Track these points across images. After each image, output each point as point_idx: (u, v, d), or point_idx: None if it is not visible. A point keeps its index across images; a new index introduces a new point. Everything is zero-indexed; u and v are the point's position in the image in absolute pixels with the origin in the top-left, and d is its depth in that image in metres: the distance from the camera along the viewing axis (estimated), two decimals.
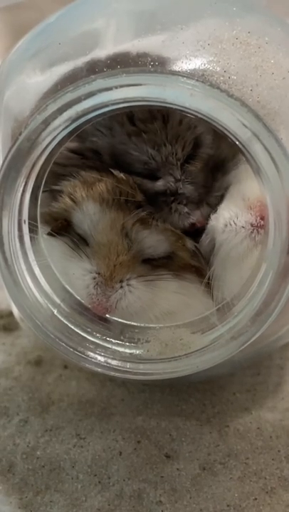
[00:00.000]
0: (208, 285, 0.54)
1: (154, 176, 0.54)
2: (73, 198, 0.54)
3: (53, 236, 0.55)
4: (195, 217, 0.54)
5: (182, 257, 0.55)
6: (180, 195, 0.53)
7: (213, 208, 0.54)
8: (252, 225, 0.52)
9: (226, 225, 0.52)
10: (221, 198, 0.54)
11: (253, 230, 0.52)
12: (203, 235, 0.55)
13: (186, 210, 0.53)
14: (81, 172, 0.55)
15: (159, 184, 0.54)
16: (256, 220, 0.52)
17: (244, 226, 0.52)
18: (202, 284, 0.55)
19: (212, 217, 0.54)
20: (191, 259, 0.55)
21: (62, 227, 0.56)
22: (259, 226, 0.51)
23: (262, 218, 0.51)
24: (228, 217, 0.52)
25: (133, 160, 0.53)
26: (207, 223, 0.54)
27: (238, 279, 0.53)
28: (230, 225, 0.52)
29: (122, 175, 0.53)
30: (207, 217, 0.54)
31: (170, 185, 0.53)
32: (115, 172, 0.53)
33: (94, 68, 0.48)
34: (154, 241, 0.54)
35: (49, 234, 0.55)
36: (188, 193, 0.53)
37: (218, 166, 0.55)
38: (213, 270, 0.54)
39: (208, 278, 0.54)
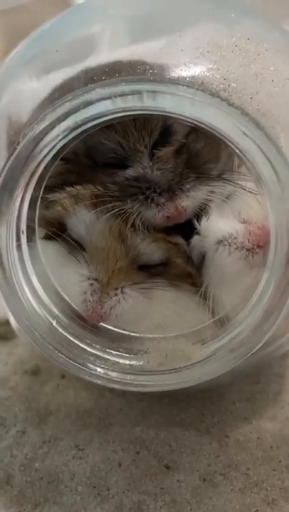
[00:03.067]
0: (204, 298, 0.54)
1: (124, 166, 0.53)
2: (65, 206, 0.54)
3: (49, 240, 0.55)
4: (170, 209, 0.52)
5: (178, 264, 0.55)
6: (152, 183, 0.53)
7: (192, 198, 0.53)
8: (248, 249, 0.51)
9: (218, 243, 0.52)
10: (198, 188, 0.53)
11: (248, 254, 0.51)
12: (191, 245, 0.54)
13: (162, 200, 0.52)
14: (65, 187, 0.55)
15: (129, 171, 0.53)
16: (253, 247, 0.51)
17: (239, 249, 0.51)
18: (197, 296, 0.54)
19: (202, 228, 0.53)
20: (187, 266, 0.55)
21: (57, 231, 0.55)
22: (255, 252, 0.51)
23: (259, 247, 0.51)
24: (222, 236, 0.52)
25: (104, 149, 0.53)
26: (183, 218, 0.53)
27: (233, 296, 0.53)
28: (224, 245, 0.52)
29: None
30: (184, 211, 0.53)
31: (139, 172, 0.53)
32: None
33: (92, 76, 0.48)
34: (148, 247, 0.54)
35: (44, 238, 0.55)
36: (157, 179, 0.52)
37: (193, 155, 0.54)
38: (206, 286, 0.54)
39: (202, 293, 0.54)
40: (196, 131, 0.52)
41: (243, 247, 0.51)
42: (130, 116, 0.48)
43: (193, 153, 0.54)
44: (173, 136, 0.53)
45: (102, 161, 0.54)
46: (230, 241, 0.52)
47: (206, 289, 0.54)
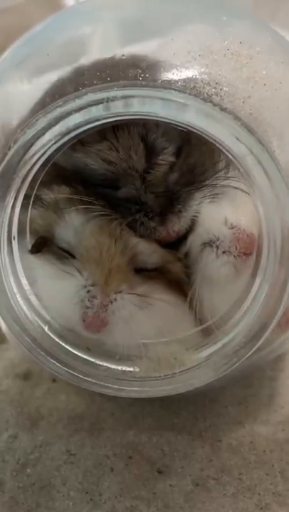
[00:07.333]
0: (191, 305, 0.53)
1: (116, 186, 0.53)
2: (56, 210, 0.53)
3: (35, 254, 0.53)
4: (162, 234, 0.52)
5: (172, 271, 0.54)
6: (144, 205, 0.52)
7: (183, 218, 0.52)
8: (234, 256, 0.51)
9: (204, 244, 0.52)
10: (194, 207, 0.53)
11: (235, 260, 0.51)
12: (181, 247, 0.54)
13: (152, 224, 0.52)
14: (54, 186, 0.53)
15: (122, 191, 0.52)
16: (240, 254, 0.51)
17: (226, 253, 0.51)
18: (186, 303, 0.53)
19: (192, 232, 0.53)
20: (182, 273, 0.54)
21: (42, 243, 0.53)
22: (241, 259, 0.51)
23: (246, 255, 0.51)
24: (208, 239, 0.52)
25: (94, 172, 0.52)
26: (174, 239, 0.53)
27: (221, 302, 0.53)
28: (211, 246, 0.51)
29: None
30: (179, 231, 0.52)
31: (132, 193, 0.52)
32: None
33: (83, 80, 0.47)
34: (145, 247, 0.52)
35: (31, 252, 0.53)
36: (150, 202, 0.52)
37: (186, 172, 0.53)
38: (194, 291, 0.53)
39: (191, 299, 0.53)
40: (190, 145, 0.52)
41: (230, 252, 0.51)
42: (123, 121, 0.48)
43: (187, 170, 0.53)
44: (159, 156, 0.51)
45: (94, 183, 0.53)
46: (217, 244, 0.51)
47: (196, 296, 0.53)
